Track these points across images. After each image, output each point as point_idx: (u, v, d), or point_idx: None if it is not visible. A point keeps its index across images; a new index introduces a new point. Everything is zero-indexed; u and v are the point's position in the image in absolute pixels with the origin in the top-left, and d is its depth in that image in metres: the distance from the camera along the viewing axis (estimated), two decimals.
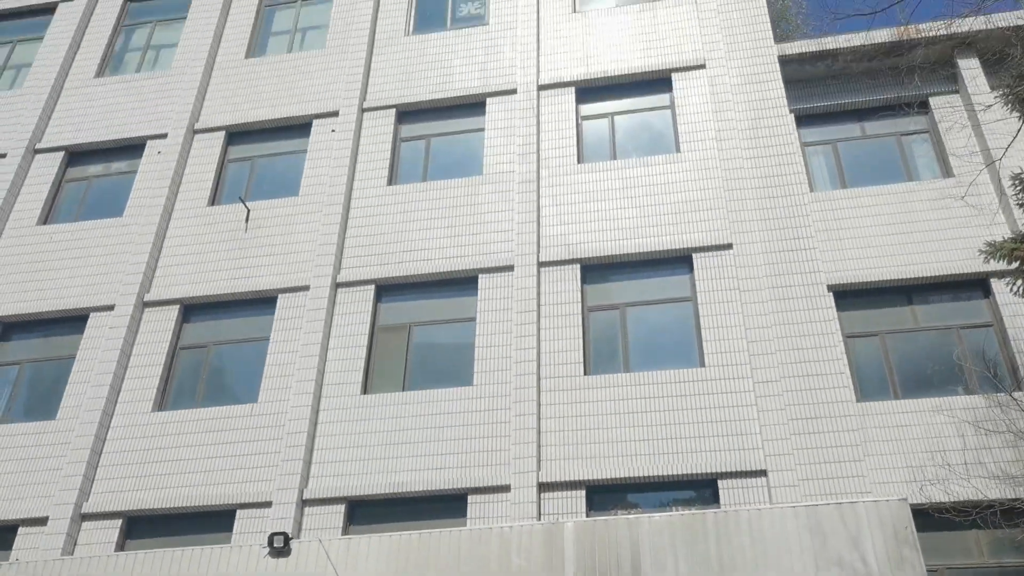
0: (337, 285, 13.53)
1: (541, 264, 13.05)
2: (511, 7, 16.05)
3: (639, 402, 11.60)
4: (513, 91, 14.97)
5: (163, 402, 13.12)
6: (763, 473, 10.81)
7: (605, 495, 11.24)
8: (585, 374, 12.05)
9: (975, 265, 12.51)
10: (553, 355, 12.24)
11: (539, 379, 12.03)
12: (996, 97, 12.28)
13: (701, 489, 11.05)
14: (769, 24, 14.70)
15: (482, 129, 14.83)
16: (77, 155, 16.35)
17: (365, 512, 11.70)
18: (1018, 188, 11.24)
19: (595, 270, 13.05)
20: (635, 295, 12.78)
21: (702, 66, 14.51)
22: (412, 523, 11.33)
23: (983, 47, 14.16)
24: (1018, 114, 11.67)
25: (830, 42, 14.55)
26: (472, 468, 11.55)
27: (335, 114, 15.39)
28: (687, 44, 14.87)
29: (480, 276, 13.18)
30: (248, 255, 14.13)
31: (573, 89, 14.85)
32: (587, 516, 10.94)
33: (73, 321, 14.15)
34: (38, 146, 16.31)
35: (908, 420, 11.62)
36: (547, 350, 12.29)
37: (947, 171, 13.82)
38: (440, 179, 14.37)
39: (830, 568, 9.35)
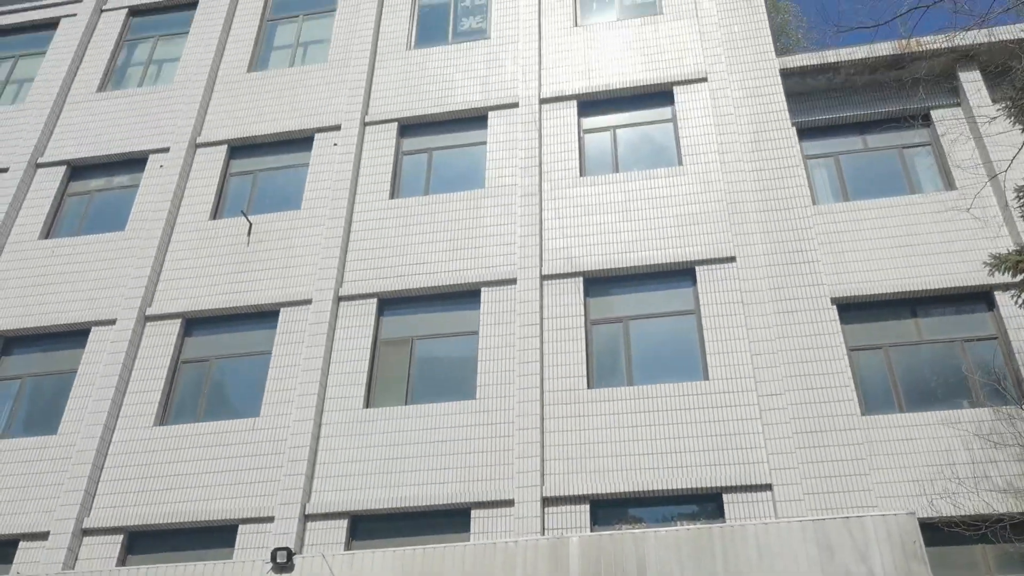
0: (339, 299, 13.50)
1: (544, 277, 13.03)
2: (512, 21, 16.09)
3: (643, 415, 11.55)
4: (515, 104, 14.98)
5: (165, 417, 13.07)
6: (768, 487, 10.75)
7: (609, 509, 11.17)
8: (588, 387, 12.01)
9: (979, 278, 12.49)
10: (556, 368, 12.20)
11: (542, 393, 11.99)
12: (999, 109, 12.29)
13: (706, 503, 10.99)
14: (770, 37, 14.74)
15: (484, 143, 14.84)
16: (79, 169, 16.35)
17: (367, 527, 11.63)
18: (1022, 200, 11.22)
19: (598, 283, 13.03)
20: (638, 308, 12.75)
21: (704, 79, 14.54)
22: (415, 538, 11.27)
23: (985, 60, 14.18)
24: (1021, 127, 11.68)
25: (831, 55, 14.57)
26: (475, 482, 11.50)
27: (337, 128, 15.41)
28: (688, 57, 14.90)
29: (482, 289, 13.15)
30: (250, 269, 14.11)
31: (575, 102, 14.87)
32: (591, 531, 10.88)
33: (74, 335, 14.12)
34: (40, 160, 16.32)
35: (913, 434, 11.55)
36: (550, 363, 12.25)
37: (950, 184, 13.82)
38: (442, 192, 14.36)
39: None
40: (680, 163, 13.82)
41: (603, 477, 11.20)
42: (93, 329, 13.98)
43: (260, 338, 13.56)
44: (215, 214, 15.08)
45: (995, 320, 12.50)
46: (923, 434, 11.54)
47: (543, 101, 14.95)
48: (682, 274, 12.86)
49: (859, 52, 14.48)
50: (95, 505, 12.28)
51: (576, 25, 15.92)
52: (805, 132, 14.84)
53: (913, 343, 12.56)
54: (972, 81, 14.33)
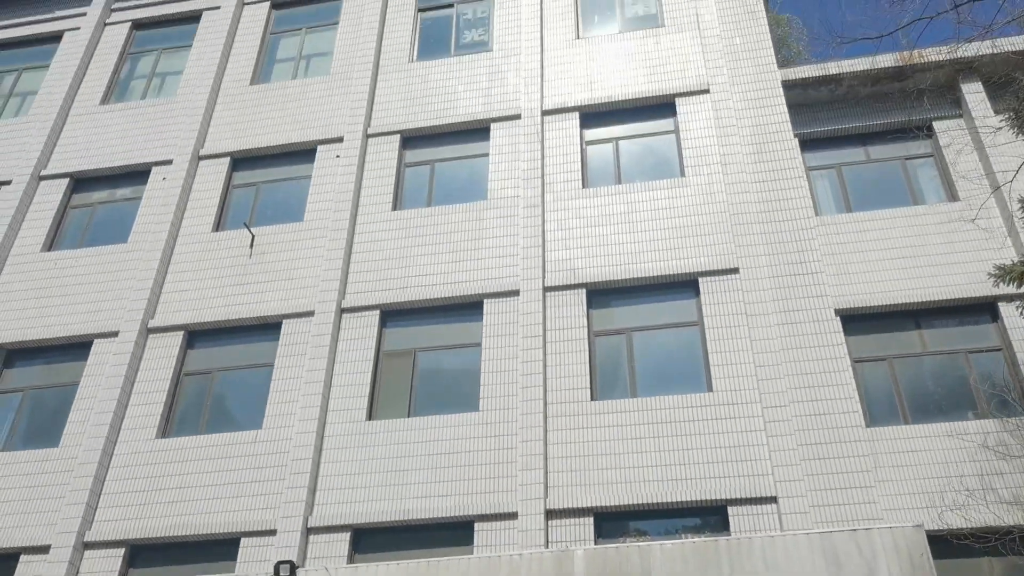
0: (342, 310, 13.49)
1: (546, 289, 13.02)
2: (515, 34, 16.14)
3: (647, 427, 11.51)
4: (517, 116, 15.01)
5: (167, 429, 13.03)
6: (773, 499, 10.70)
7: (613, 522, 11.12)
8: (592, 399, 11.97)
9: (983, 289, 12.45)
10: (559, 380, 12.17)
11: (545, 404, 11.95)
12: (1002, 121, 12.29)
13: (711, 516, 10.93)
14: (772, 49, 14.77)
15: (486, 154, 14.85)
16: (82, 182, 16.37)
17: (370, 540, 11.58)
18: None
19: (601, 295, 13.01)
20: (641, 320, 12.72)
21: (706, 91, 14.56)
22: (418, 551, 11.21)
23: (987, 71, 14.18)
24: None
25: (833, 67, 14.59)
26: (478, 495, 11.45)
27: (340, 140, 15.43)
28: (690, 69, 14.93)
29: (485, 301, 13.13)
30: (253, 281, 14.10)
31: (577, 114, 14.90)
32: (595, 543, 10.82)
33: (77, 348, 14.10)
34: (43, 173, 16.34)
35: (919, 445, 11.49)
36: (553, 375, 12.22)
37: (952, 195, 13.80)
38: (445, 204, 14.37)
39: None
40: (682, 174, 13.83)
41: (607, 490, 11.15)
42: (95, 341, 13.96)
43: (263, 350, 13.53)
44: (218, 226, 15.08)
45: (999, 331, 12.45)
46: (928, 446, 11.47)
47: (545, 113, 14.97)
48: (685, 285, 12.84)
49: (861, 64, 14.48)
50: (97, 518, 12.23)
51: (578, 38, 15.96)
52: (807, 143, 14.83)
53: (917, 354, 12.50)
54: (974, 92, 14.33)
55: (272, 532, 11.61)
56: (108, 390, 13.18)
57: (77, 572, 11.83)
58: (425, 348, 13.09)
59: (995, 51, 13.62)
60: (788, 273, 12.40)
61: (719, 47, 14.95)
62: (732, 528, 10.66)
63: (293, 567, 10.75)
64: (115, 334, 13.89)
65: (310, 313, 13.49)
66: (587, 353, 12.36)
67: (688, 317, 12.59)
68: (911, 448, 11.50)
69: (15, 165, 16.48)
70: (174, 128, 16.36)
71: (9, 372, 14.24)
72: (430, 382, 12.79)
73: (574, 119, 14.84)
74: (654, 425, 11.51)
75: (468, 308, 13.24)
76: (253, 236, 14.51)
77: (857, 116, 14.83)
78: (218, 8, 18.04)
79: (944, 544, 10.57)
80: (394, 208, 14.54)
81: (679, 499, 10.91)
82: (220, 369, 13.54)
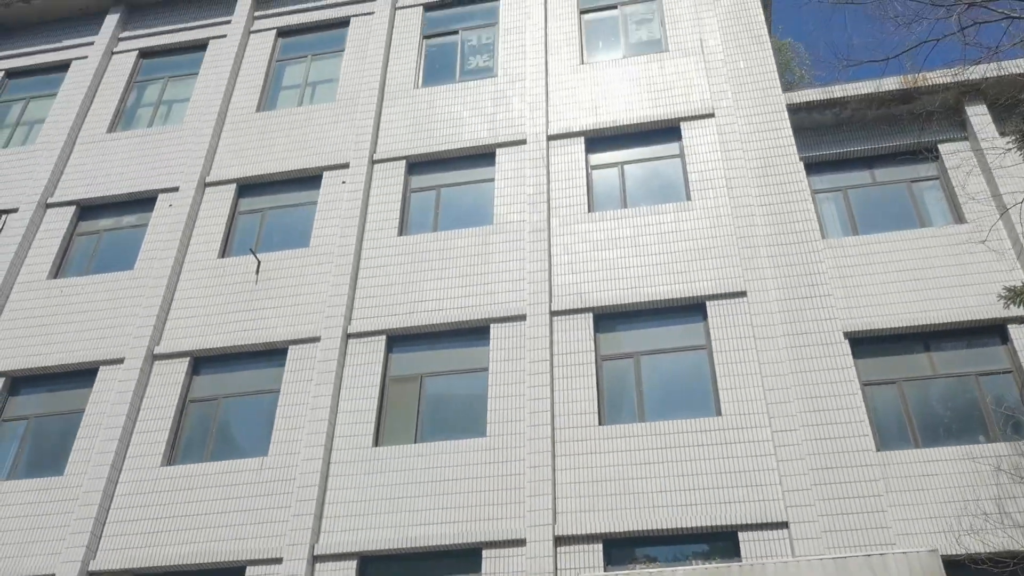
0: (348, 336, 13.44)
1: (553, 313, 12.97)
2: (519, 59, 16.22)
3: (656, 452, 11.42)
4: (523, 141, 15.04)
5: (172, 456, 12.96)
6: (785, 525, 10.57)
7: (623, 549, 10.99)
8: (600, 424, 11.89)
9: (992, 311, 12.40)
10: (567, 405, 12.09)
11: (553, 430, 11.86)
12: (1009, 143, 12.29)
13: (721, 542, 10.80)
14: (776, 73, 14.82)
15: (492, 179, 14.87)
16: (88, 209, 16.41)
17: (377, 568, 11.46)
18: None
19: (608, 319, 12.95)
20: (649, 344, 12.66)
21: (711, 115, 14.59)
22: None
23: (994, 94, 14.19)
24: None
25: (838, 90, 14.64)
26: (486, 521, 11.34)
27: (345, 166, 15.47)
28: (695, 94, 14.97)
29: (492, 326, 13.08)
30: (258, 307, 14.08)
31: (582, 139, 14.92)
32: (605, 571, 10.70)
33: (82, 375, 14.05)
34: (50, 200, 16.39)
35: (930, 469, 11.38)
36: (561, 400, 12.15)
37: (959, 217, 13.79)
38: (451, 229, 14.36)
39: None
40: (688, 198, 13.82)
41: (616, 515, 11.04)
42: (101, 369, 13.92)
43: (268, 376, 13.48)
44: (224, 252, 15.08)
45: (1009, 353, 12.38)
46: (940, 470, 11.37)
47: (551, 138, 15.00)
48: (693, 309, 12.79)
49: (865, 87, 14.55)
50: (101, 547, 12.13)
51: (583, 63, 16.03)
52: (813, 166, 14.85)
53: (927, 377, 12.42)
54: (979, 115, 14.36)
55: (278, 560, 11.51)
56: (113, 417, 13.13)
57: None
58: (432, 373, 13.03)
59: (1001, 73, 13.65)
60: (796, 296, 12.35)
61: (723, 71, 15.00)
62: (743, 554, 10.54)
63: None
64: (120, 361, 13.85)
65: (316, 339, 13.45)
66: (595, 377, 12.29)
67: (696, 341, 12.53)
68: (923, 472, 11.40)
69: (22, 193, 16.54)
70: (180, 155, 16.43)
71: (14, 400, 14.20)
72: (437, 408, 12.72)
73: (579, 144, 14.87)
74: (663, 450, 11.42)
75: (475, 333, 13.19)
76: (259, 262, 14.51)
77: (862, 139, 14.87)
78: (224, 37, 18.18)
79: (960, 569, 10.43)
80: (400, 233, 14.54)
81: (689, 525, 10.79)
82: (226, 396, 13.49)
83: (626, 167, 14.65)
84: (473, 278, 13.61)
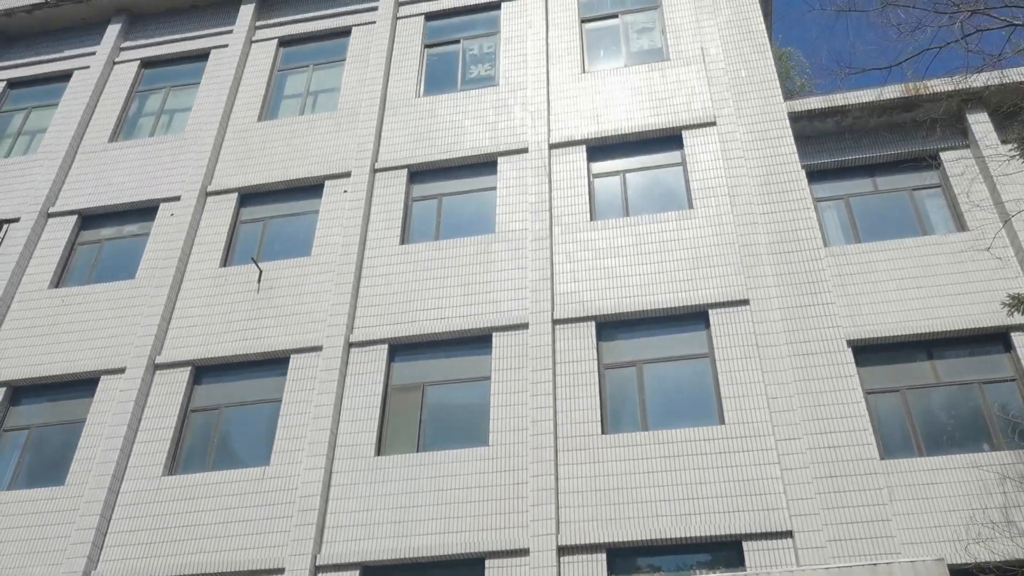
0: (350, 345, 13.41)
1: (556, 322, 12.94)
2: (521, 68, 16.23)
3: (659, 461, 11.38)
4: (524, 150, 15.04)
5: (174, 466, 12.92)
6: (789, 534, 10.52)
7: (626, 558, 10.93)
8: (603, 433, 11.85)
9: (995, 319, 12.38)
10: (570, 414, 12.05)
11: (556, 438, 11.82)
12: (1011, 150, 12.28)
13: (726, 551, 10.75)
14: (778, 81, 14.83)
15: (494, 188, 14.87)
16: (90, 218, 16.41)
17: None
18: None
19: (610, 327, 12.93)
20: (652, 352, 12.63)
21: (712, 123, 14.59)
22: None
23: (995, 102, 14.21)
24: None
25: (839, 98, 14.66)
26: (489, 531, 11.29)
27: (347, 175, 15.47)
28: (696, 102, 14.98)
29: (494, 335, 13.05)
30: (260, 316, 14.06)
31: (584, 147, 14.92)
32: None
33: (83, 385, 14.02)
34: (51, 210, 16.39)
35: (935, 478, 11.35)
36: (563, 409, 12.11)
37: (961, 225, 13.78)
38: (453, 238, 14.35)
39: None
40: (691, 206, 13.81)
41: (620, 525, 10.99)
42: (102, 378, 13.88)
43: (270, 386, 13.45)
44: (225, 261, 15.07)
45: (1013, 361, 12.35)
46: (944, 478, 11.33)
47: (552, 146, 15.01)
48: (695, 317, 12.76)
49: (867, 95, 14.56)
50: (102, 557, 12.08)
51: (584, 72, 16.05)
52: (814, 174, 14.85)
53: (930, 385, 12.40)
54: (981, 123, 14.36)
55: (280, 571, 11.45)
56: (114, 427, 13.09)
57: None
58: (434, 382, 13.00)
59: (1003, 81, 13.65)
60: (799, 304, 12.32)
61: (724, 80, 15.01)
62: (748, 563, 10.48)
63: None
64: (122, 370, 13.82)
65: (318, 348, 13.42)
66: (597, 386, 12.26)
67: (699, 349, 12.50)
68: (927, 480, 11.37)
69: (24, 202, 16.54)
70: (182, 164, 16.44)
71: (16, 409, 14.16)
72: (439, 417, 12.68)
73: (581, 152, 14.87)
74: (666, 459, 11.38)
75: (477, 342, 13.16)
76: (261, 271, 14.50)
77: (864, 147, 14.87)
78: (226, 46, 18.22)
79: None
80: (402, 242, 14.53)
81: (693, 534, 10.74)
82: (227, 405, 13.45)
83: (628, 175, 14.64)
84: (475, 287, 13.59)
